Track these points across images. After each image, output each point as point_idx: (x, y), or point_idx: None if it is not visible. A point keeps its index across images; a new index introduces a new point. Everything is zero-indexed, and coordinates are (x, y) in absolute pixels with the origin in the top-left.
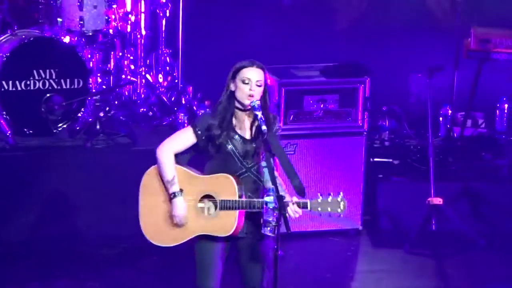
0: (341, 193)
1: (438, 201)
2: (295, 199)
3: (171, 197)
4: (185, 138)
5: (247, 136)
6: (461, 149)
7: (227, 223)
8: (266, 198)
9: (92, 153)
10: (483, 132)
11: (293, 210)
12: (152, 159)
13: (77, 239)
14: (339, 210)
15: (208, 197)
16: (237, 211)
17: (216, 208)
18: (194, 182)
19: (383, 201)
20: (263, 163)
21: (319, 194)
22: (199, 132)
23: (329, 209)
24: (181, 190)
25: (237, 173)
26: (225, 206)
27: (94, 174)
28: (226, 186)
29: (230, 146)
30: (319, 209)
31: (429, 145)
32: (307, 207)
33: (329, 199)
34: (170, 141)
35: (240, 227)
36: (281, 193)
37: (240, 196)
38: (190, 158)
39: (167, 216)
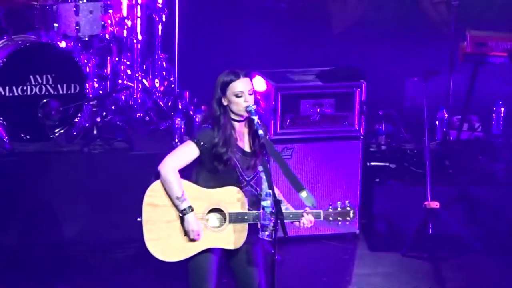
0: (347, 202)
1: (435, 205)
2: (308, 209)
3: (182, 213)
4: (188, 153)
5: (247, 148)
6: (457, 153)
7: (239, 237)
8: (263, 203)
9: (89, 158)
10: (479, 135)
11: (308, 220)
12: (147, 164)
13: (73, 244)
14: (348, 218)
15: (215, 210)
16: (247, 224)
17: (225, 221)
18: (201, 195)
19: (380, 205)
20: (260, 168)
21: (329, 204)
22: (206, 146)
23: (339, 218)
24: (190, 206)
25: (238, 186)
26: (235, 219)
27: (91, 179)
28: (235, 198)
29: (234, 161)
30: (330, 218)
31: (426, 149)
32: (320, 218)
33: (339, 208)
34: (173, 158)
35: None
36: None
37: (248, 209)
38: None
39: (173, 232)
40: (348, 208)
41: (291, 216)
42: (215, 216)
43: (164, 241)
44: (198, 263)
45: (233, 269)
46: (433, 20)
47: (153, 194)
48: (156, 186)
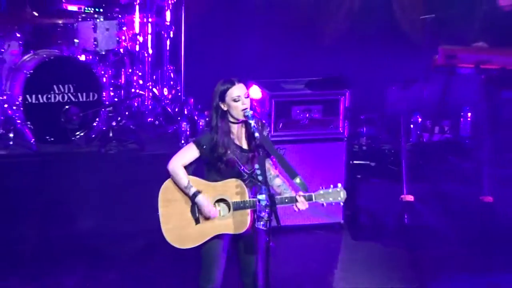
0: (339, 184)
1: (410, 198)
2: (301, 193)
3: (193, 198)
4: (189, 153)
5: (244, 146)
6: (430, 153)
7: (243, 222)
8: (259, 196)
9: (106, 157)
10: (449, 137)
11: (301, 203)
12: (157, 163)
13: (92, 235)
14: (339, 198)
15: (221, 200)
16: (249, 210)
17: (229, 209)
18: (207, 189)
19: (362, 198)
20: (256, 165)
21: (320, 187)
22: (204, 147)
23: (331, 199)
24: (197, 190)
25: (240, 179)
26: (238, 206)
27: (107, 176)
28: (237, 189)
29: (233, 159)
30: (322, 199)
31: (402, 149)
32: (312, 199)
33: (330, 190)
34: (177, 157)
35: (251, 224)
36: (285, 192)
37: (249, 197)
38: (195, 167)
39: (186, 222)
40: (338, 189)
41: (286, 200)
42: (220, 206)
43: (179, 230)
44: (210, 249)
45: (238, 254)
46: (410, 35)
47: (166, 191)
48: (168, 183)
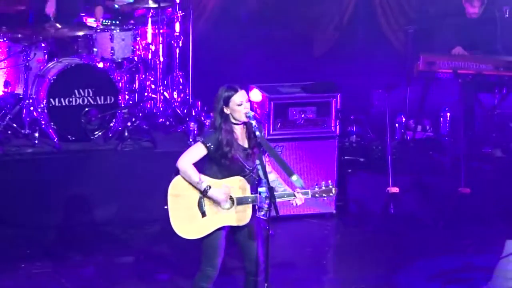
0: (330, 181)
1: (395, 190)
2: (298, 190)
3: (205, 192)
4: (197, 152)
5: (246, 145)
6: (413, 149)
7: (245, 215)
8: (260, 189)
9: (122, 155)
10: (430, 135)
11: (299, 199)
12: (168, 159)
13: (109, 222)
14: (331, 194)
15: None
16: (251, 205)
17: (233, 203)
18: (214, 185)
19: (352, 190)
20: (257, 161)
21: (316, 184)
22: (211, 146)
23: (324, 195)
24: (208, 185)
25: (242, 175)
26: (241, 201)
27: (123, 171)
28: (240, 186)
29: (237, 156)
30: (317, 195)
31: (388, 146)
32: (308, 195)
33: (323, 187)
34: (186, 155)
35: (252, 215)
36: (279, 187)
37: (250, 193)
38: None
39: (194, 215)
40: (330, 186)
41: (285, 196)
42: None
43: (187, 223)
44: (212, 239)
45: (239, 242)
46: (394, 44)
47: (175, 187)
48: (176, 180)
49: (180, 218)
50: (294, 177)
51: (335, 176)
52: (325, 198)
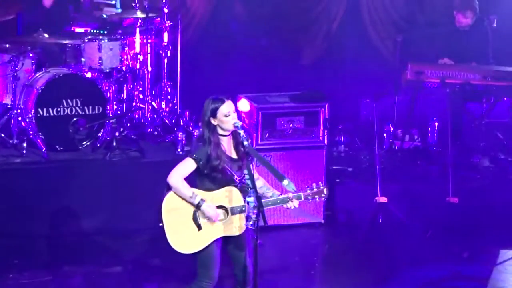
0: (320, 182)
1: (383, 199)
2: (290, 194)
3: (198, 206)
4: (188, 167)
5: (234, 156)
6: (401, 158)
7: (241, 224)
8: (248, 199)
9: (110, 164)
10: (418, 144)
11: (293, 204)
12: (156, 169)
13: (98, 232)
14: (323, 195)
15: (219, 207)
16: (244, 214)
17: (228, 214)
18: (207, 197)
19: (340, 200)
20: (245, 171)
21: (307, 186)
22: (201, 161)
23: (316, 196)
24: (202, 199)
25: (233, 185)
26: (235, 211)
27: (111, 180)
28: (233, 196)
29: (226, 167)
30: (309, 197)
31: (376, 155)
32: (301, 198)
33: (315, 189)
34: (177, 171)
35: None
36: (268, 192)
37: (244, 201)
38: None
39: (190, 229)
40: (321, 187)
41: (278, 201)
42: (220, 212)
43: (183, 237)
44: (208, 251)
45: (229, 251)
46: (383, 54)
47: (168, 203)
48: (169, 196)
49: (176, 233)
50: (285, 182)
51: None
52: (317, 200)
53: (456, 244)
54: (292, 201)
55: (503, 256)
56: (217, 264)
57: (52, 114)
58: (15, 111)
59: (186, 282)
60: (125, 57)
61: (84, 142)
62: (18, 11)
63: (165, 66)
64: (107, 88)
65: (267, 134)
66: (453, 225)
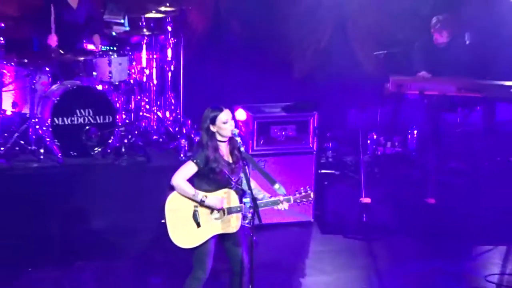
0: (308, 187)
1: (367, 200)
2: (281, 197)
3: (202, 201)
4: (189, 169)
5: (230, 160)
6: (383, 163)
7: (236, 223)
8: (244, 199)
9: (119, 168)
10: (399, 150)
11: (283, 206)
12: (161, 173)
13: (107, 230)
14: (310, 198)
15: None
16: (240, 214)
17: (224, 214)
18: (208, 195)
19: (328, 201)
20: (241, 174)
21: (296, 191)
22: (201, 164)
23: (304, 200)
24: (204, 195)
25: (229, 188)
26: (231, 211)
27: (120, 184)
28: (230, 197)
29: (223, 170)
30: (298, 200)
31: (360, 160)
32: (291, 201)
33: (303, 193)
34: (180, 173)
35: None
36: (259, 194)
37: (239, 203)
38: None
39: (190, 226)
40: (308, 191)
41: (270, 203)
42: (216, 211)
43: (183, 233)
44: (204, 247)
45: (226, 247)
46: (367, 68)
47: (171, 202)
48: (172, 196)
49: (177, 230)
50: (277, 186)
51: (313, 188)
52: (305, 202)
53: (434, 241)
54: (282, 203)
55: None
56: (210, 258)
57: (66, 123)
58: (33, 120)
59: (187, 276)
60: (133, 71)
61: (96, 149)
62: (32, 31)
63: (169, 79)
64: (116, 99)
65: (262, 141)
66: (430, 224)
